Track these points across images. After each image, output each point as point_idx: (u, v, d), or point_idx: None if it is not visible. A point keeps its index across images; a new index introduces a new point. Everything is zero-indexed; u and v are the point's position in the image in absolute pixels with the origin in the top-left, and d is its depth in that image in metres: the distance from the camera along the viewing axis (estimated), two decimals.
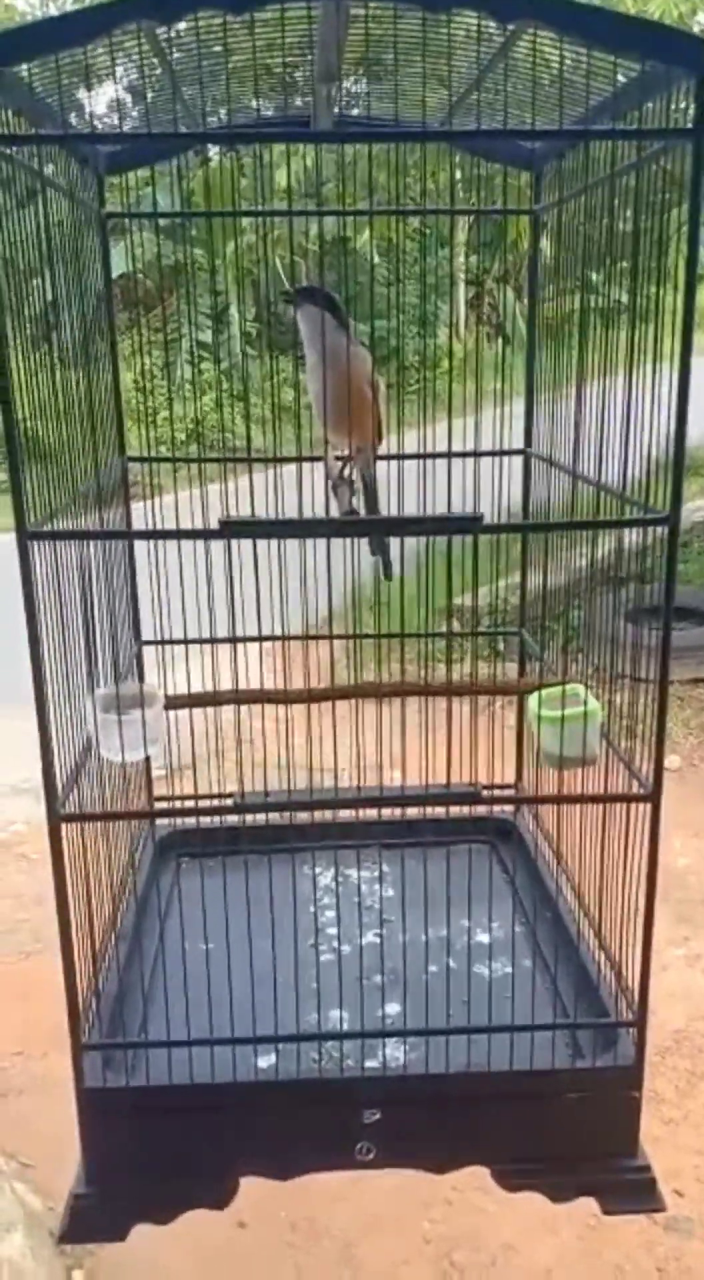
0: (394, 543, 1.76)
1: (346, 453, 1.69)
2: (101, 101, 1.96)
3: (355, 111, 1.96)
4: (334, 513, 1.63)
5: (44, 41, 1.22)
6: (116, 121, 1.62)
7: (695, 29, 5.63)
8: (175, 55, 1.54)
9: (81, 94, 1.58)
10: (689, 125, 1.23)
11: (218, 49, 1.52)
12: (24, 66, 1.27)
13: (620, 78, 1.36)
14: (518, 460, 2.03)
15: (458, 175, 2.29)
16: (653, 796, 1.38)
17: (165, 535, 1.41)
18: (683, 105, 1.26)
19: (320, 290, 1.67)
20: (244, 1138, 1.44)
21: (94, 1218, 1.42)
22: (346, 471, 1.70)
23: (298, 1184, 1.47)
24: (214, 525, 1.32)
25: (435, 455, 1.72)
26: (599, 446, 1.51)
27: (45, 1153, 2.36)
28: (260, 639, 1.79)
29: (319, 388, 1.56)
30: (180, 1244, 2.02)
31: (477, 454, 1.72)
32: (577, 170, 1.64)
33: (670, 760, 4.20)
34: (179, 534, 1.39)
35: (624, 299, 1.42)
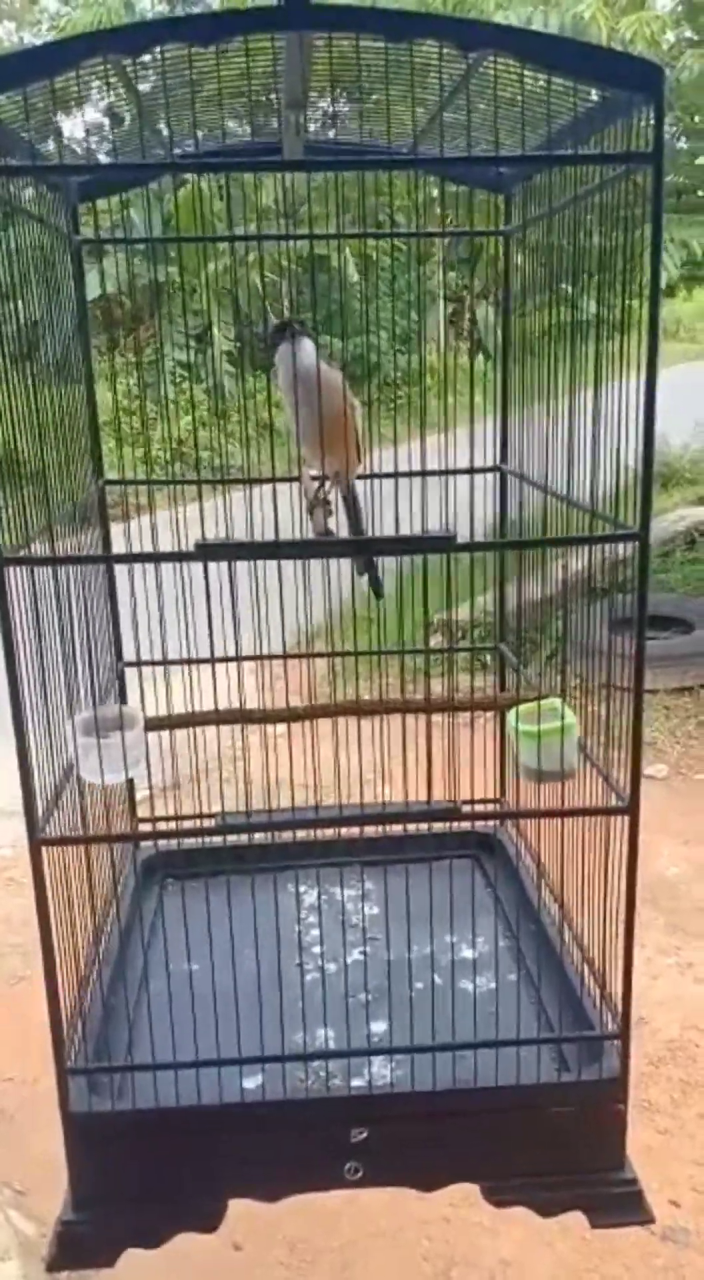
0: (380, 567, 1.77)
1: (324, 474, 1.71)
2: (76, 126, 1.98)
3: (331, 134, 1.98)
4: (310, 533, 1.64)
5: (9, 75, 1.24)
6: (89, 149, 1.64)
7: (665, 47, 5.70)
8: (145, 84, 1.56)
9: (54, 121, 1.60)
10: (649, 149, 1.26)
11: (187, 77, 1.54)
12: None
13: (583, 102, 1.39)
14: (494, 475, 2.04)
15: (434, 193, 2.32)
16: (630, 809, 1.39)
17: (142, 559, 1.42)
18: (644, 126, 1.29)
19: (292, 321, 1.69)
20: (231, 1160, 1.44)
21: (82, 1244, 1.41)
22: (323, 493, 1.71)
23: (293, 1204, 1.47)
24: (191, 547, 1.33)
25: (410, 474, 1.73)
26: (569, 461, 1.53)
27: (39, 1179, 2.34)
28: (240, 659, 1.80)
29: (292, 413, 1.58)
30: (176, 1267, 2.01)
31: (449, 471, 1.74)
32: (544, 192, 1.67)
33: (658, 769, 4.21)
34: (156, 557, 1.40)
35: (595, 311, 1.44)
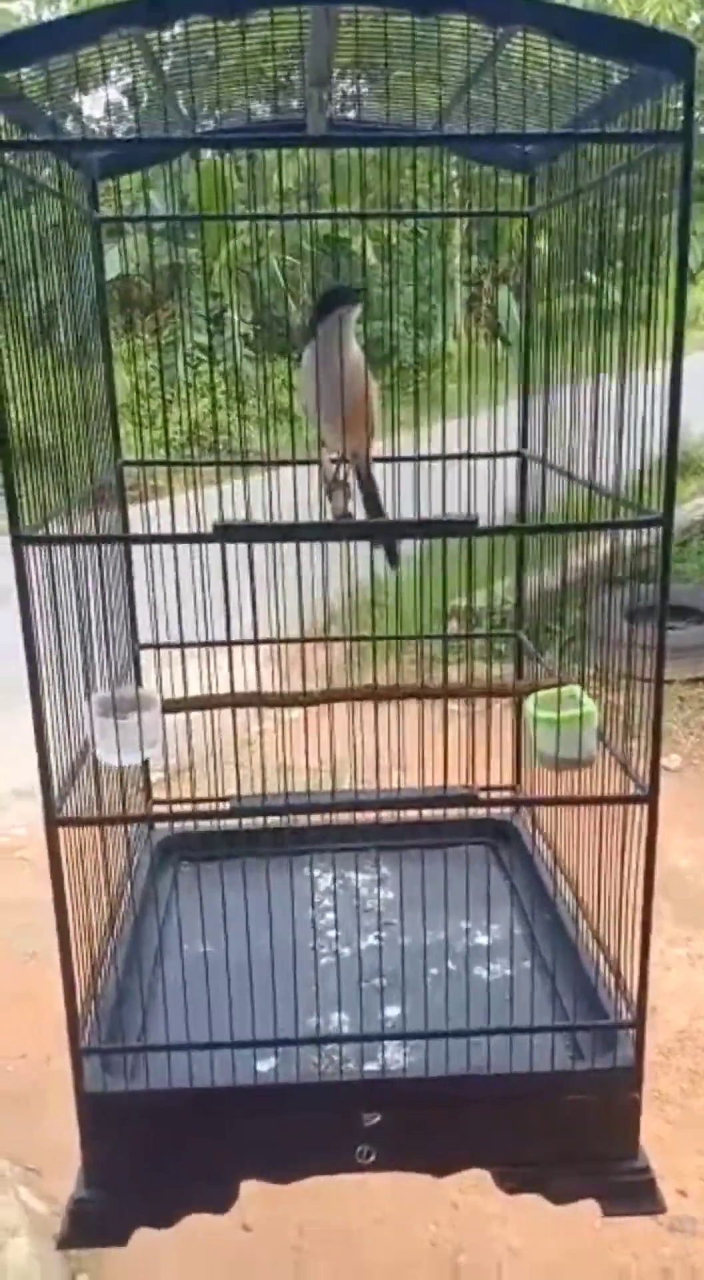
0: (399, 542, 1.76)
1: (341, 455, 1.69)
2: (96, 105, 1.97)
3: (350, 114, 1.96)
4: (329, 516, 1.63)
5: (34, 49, 1.23)
6: (110, 125, 1.62)
7: (690, 29, 5.62)
8: (168, 59, 1.54)
9: (75, 98, 1.59)
10: (677, 128, 1.24)
11: (210, 53, 1.52)
12: (15, 72, 1.28)
13: (610, 80, 1.36)
14: (515, 460, 2.03)
15: (454, 175, 2.29)
16: (650, 798, 1.38)
17: (160, 539, 1.41)
18: (672, 107, 1.27)
19: (342, 289, 1.65)
20: (244, 1141, 1.44)
21: (94, 1222, 1.42)
22: (341, 474, 1.70)
23: (302, 1187, 1.47)
24: (209, 529, 1.33)
25: (431, 458, 1.72)
26: (593, 447, 1.51)
27: (50, 1157, 2.35)
28: (257, 642, 1.79)
29: (313, 389, 1.56)
30: (185, 1247, 2.02)
31: (472, 455, 1.72)
32: (569, 172, 1.64)
33: (671, 759, 4.19)
34: (174, 538, 1.39)
35: (618, 298, 1.42)
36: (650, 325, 1.35)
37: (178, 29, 1.40)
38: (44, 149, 1.44)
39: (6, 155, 1.32)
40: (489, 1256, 2.23)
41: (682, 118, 1.24)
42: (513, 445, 2.02)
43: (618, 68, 1.32)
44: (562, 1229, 2.23)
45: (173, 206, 1.86)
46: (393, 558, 1.75)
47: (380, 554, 1.74)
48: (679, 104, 1.25)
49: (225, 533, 1.32)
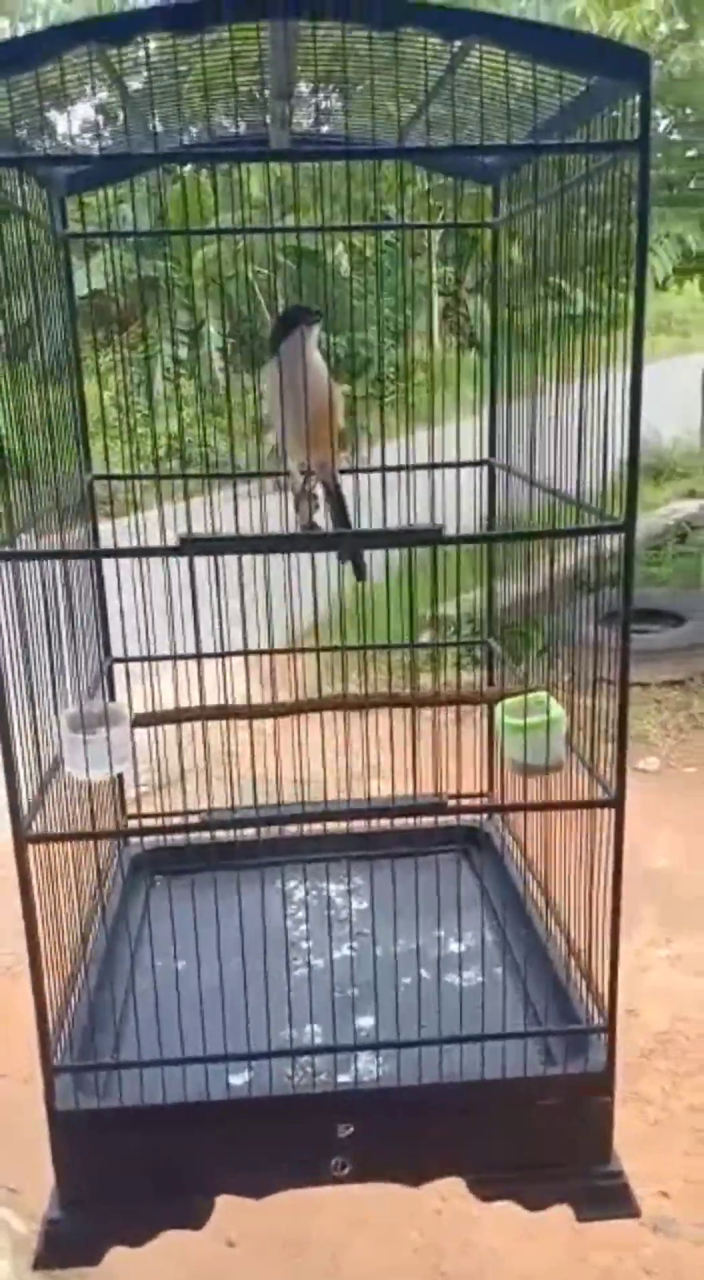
0: (366, 554, 1.76)
1: (307, 467, 1.70)
2: (72, 122, 1.97)
3: (321, 127, 1.98)
4: (295, 527, 1.63)
5: None
6: (85, 143, 1.62)
7: (657, 40, 5.68)
8: (133, 81, 1.55)
9: (51, 114, 1.59)
10: (634, 137, 1.25)
11: (174, 70, 1.53)
12: None
13: (569, 91, 1.38)
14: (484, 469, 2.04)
15: (424, 186, 2.31)
16: (616, 802, 1.39)
17: (126, 553, 1.41)
18: (630, 115, 1.28)
19: (301, 309, 1.67)
20: (218, 1156, 1.44)
21: (68, 1242, 1.41)
22: (308, 485, 1.70)
23: (285, 1199, 1.47)
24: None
25: (398, 468, 1.73)
26: (556, 453, 1.52)
27: (31, 1177, 2.32)
28: (228, 654, 1.79)
29: (276, 401, 1.57)
30: (170, 1264, 2.00)
31: (436, 465, 1.73)
32: (532, 182, 1.66)
33: (649, 762, 4.21)
34: (139, 551, 1.39)
35: (582, 306, 1.44)
36: (611, 331, 1.36)
37: (141, 46, 1.41)
38: (7, 166, 1.44)
39: None
40: (471, 1261, 2.23)
41: (639, 126, 1.25)
42: (482, 454, 2.03)
43: (575, 79, 1.34)
44: (544, 1232, 2.23)
45: (146, 221, 1.86)
46: (359, 570, 1.76)
47: (348, 567, 1.75)
48: (636, 114, 1.26)
49: (192, 545, 1.32)
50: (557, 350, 1.59)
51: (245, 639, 1.67)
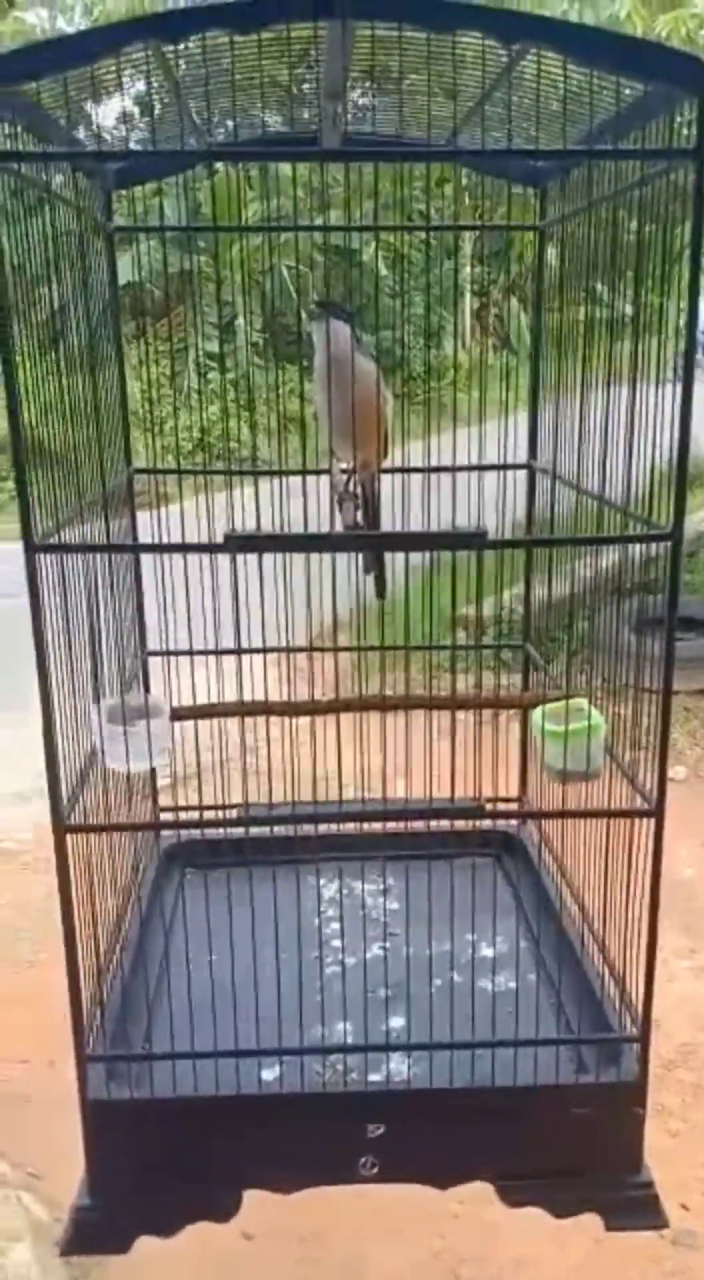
0: (400, 553, 1.76)
1: (351, 466, 1.70)
2: (110, 116, 1.98)
3: (365, 127, 1.97)
4: (339, 527, 1.63)
5: (51, 61, 1.24)
6: (124, 136, 1.63)
7: (703, 44, 5.63)
8: (183, 70, 1.55)
9: (90, 108, 1.59)
10: (691, 146, 1.24)
11: (225, 64, 1.53)
12: (33, 84, 1.29)
13: (624, 96, 1.37)
14: (524, 471, 2.03)
15: (464, 185, 2.30)
16: (656, 812, 1.38)
17: (171, 549, 1.42)
18: (686, 123, 1.27)
19: (334, 304, 1.68)
20: (248, 1151, 1.44)
21: (96, 1230, 1.42)
22: (351, 486, 1.70)
23: (304, 1196, 1.47)
24: (219, 537, 1.33)
25: (440, 469, 1.72)
26: (602, 459, 1.51)
27: (52, 1163, 2.35)
28: (265, 650, 1.80)
29: (324, 401, 1.57)
30: (187, 1256, 2.01)
31: (480, 468, 1.73)
32: (581, 186, 1.65)
33: (676, 771, 4.19)
34: (184, 548, 1.39)
35: (629, 310, 1.43)
36: (661, 336, 1.35)
37: (193, 41, 1.41)
38: (58, 160, 1.45)
39: (20, 167, 1.33)
40: (491, 1267, 2.22)
41: (695, 134, 1.24)
42: (522, 456, 2.02)
43: (631, 84, 1.33)
44: (564, 1240, 2.22)
45: (185, 215, 1.87)
46: (380, 585, 1.75)
47: (369, 578, 1.74)
48: (693, 118, 1.25)
49: (237, 543, 1.33)
50: (601, 354, 1.58)
51: (281, 635, 1.67)
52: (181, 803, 2.01)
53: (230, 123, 1.86)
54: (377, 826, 1.54)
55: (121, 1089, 1.42)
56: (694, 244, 1.28)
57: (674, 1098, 2.66)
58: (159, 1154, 1.43)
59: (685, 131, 1.26)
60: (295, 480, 1.78)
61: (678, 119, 1.28)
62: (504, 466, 1.83)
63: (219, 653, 1.77)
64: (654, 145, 1.32)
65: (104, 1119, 1.42)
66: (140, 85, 1.54)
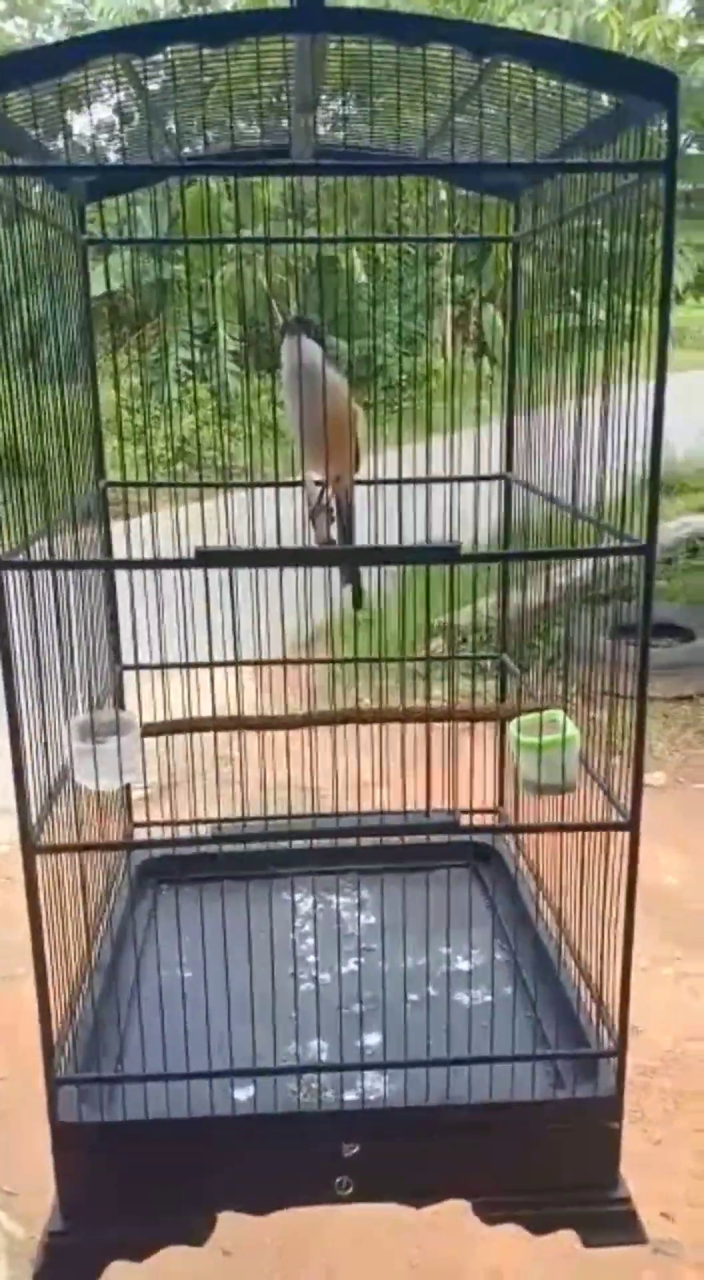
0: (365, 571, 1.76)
1: (324, 480, 1.69)
2: (83, 126, 1.96)
3: (341, 136, 1.97)
4: (312, 541, 1.63)
5: (18, 74, 1.23)
6: (98, 148, 1.62)
7: (678, 52, 5.68)
8: (154, 83, 1.54)
9: (63, 120, 1.58)
10: (662, 158, 1.24)
11: (197, 77, 1.53)
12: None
13: (596, 108, 1.37)
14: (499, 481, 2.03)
15: (441, 197, 2.30)
16: (631, 825, 1.38)
17: (142, 565, 1.41)
18: (657, 133, 1.27)
19: (307, 320, 1.68)
20: (221, 1173, 1.43)
21: (69, 1256, 1.40)
22: (325, 499, 1.70)
23: (282, 1210, 1.46)
24: (193, 550, 1.32)
25: (414, 480, 1.72)
26: (575, 470, 1.51)
27: (29, 1181, 2.32)
28: (239, 663, 1.79)
29: (296, 416, 1.57)
30: (166, 1273, 2.00)
31: (454, 479, 1.72)
32: (554, 197, 1.65)
33: (656, 777, 4.19)
34: (156, 563, 1.39)
35: (602, 317, 1.43)
36: (634, 344, 1.35)
37: (165, 55, 1.41)
38: (28, 174, 1.43)
39: None
40: (469, 1278, 2.21)
41: (666, 146, 1.25)
42: (498, 465, 2.02)
43: (604, 96, 1.33)
44: (542, 1251, 2.20)
45: (159, 226, 1.86)
46: (357, 597, 1.75)
47: (347, 589, 1.74)
48: (663, 130, 1.26)
49: (208, 558, 1.32)
50: (574, 364, 1.58)
51: (264, 647, 1.66)
52: (156, 817, 2.00)
53: (207, 134, 1.85)
54: (351, 840, 1.52)
55: (92, 1111, 1.41)
56: (666, 252, 1.28)
57: (656, 1106, 2.65)
58: (131, 1177, 1.41)
59: (659, 141, 1.26)
60: (271, 490, 1.78)
61: (650, 129, 1.28)
62: (479, 478, 1.83)
63: (194, 666, 1.76)
64: (626, 157, 1.32)
65: (74, 1142, 1.40)
66: (121, 95, 1.53)
